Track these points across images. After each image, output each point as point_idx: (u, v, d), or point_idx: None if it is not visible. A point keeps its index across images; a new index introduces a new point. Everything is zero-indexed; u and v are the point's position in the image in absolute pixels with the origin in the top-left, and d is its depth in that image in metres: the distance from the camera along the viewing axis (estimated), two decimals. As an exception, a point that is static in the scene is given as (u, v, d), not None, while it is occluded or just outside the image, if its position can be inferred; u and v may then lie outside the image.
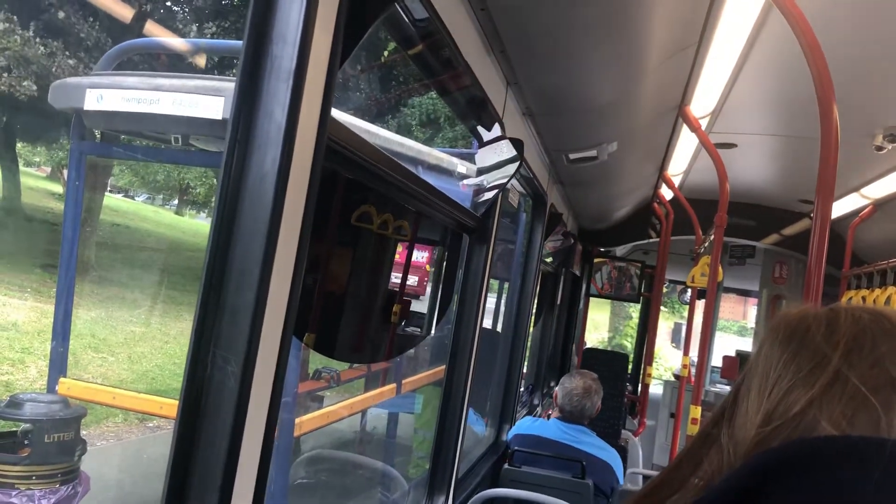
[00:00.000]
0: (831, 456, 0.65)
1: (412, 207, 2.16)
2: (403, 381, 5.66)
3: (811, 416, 0.71)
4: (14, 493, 3.54)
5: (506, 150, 2.63)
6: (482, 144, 2.64)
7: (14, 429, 3.80)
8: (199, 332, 1.12)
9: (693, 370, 6.88)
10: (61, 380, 4.22)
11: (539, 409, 6.06)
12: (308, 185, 1.23)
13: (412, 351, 5.60)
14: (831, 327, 0.78)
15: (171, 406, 4.50)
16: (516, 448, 3.81)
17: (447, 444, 2.79)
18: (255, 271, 1.13)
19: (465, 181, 3.63)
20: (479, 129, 2.58)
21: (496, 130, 2.57)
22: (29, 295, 10.93)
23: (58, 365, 4.29)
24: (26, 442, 3.70)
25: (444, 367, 2.93)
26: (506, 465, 3.76)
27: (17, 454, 3.64)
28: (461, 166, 4.73)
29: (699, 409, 4.17)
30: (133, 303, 11.64)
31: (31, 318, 9.30)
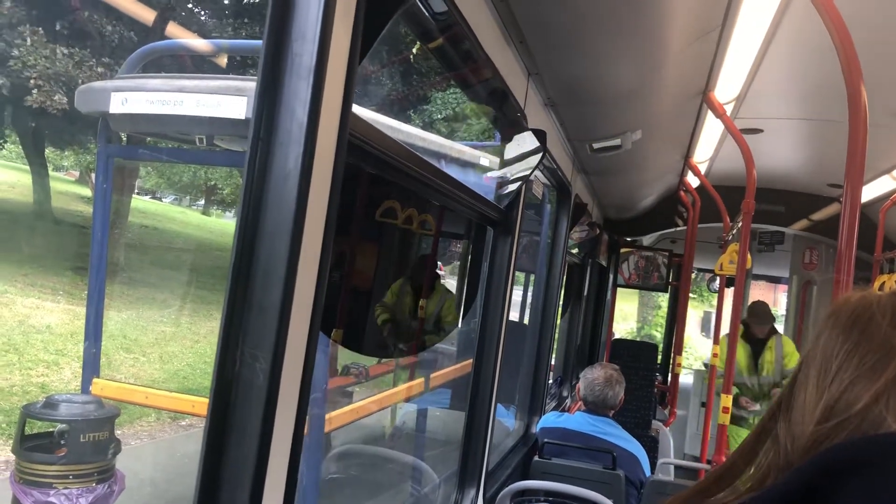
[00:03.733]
0: None
1: (436, 201, 2.16)
2: (432, 376, 5.66)
3: (876, 412, 0.66)
4: (52, 492, 3.60)
5: (528, 142, 2.62)
6: (505, 136, 2.63)
7: (51, 429, 3.86)
8: (227, 330, 1.13)
9: (723, 358, 6.81)
10: (95, 380, 4.28)
11: (568, 401, 6.04)
12: (331, 181, 1.24)
13: (441, 345, 5.61)
14: None
15: (202, 404, 4.55)
16: (546, 440, 3.80)
17: (476, 437, 2.79)
18: (280, 268, 1.14)
19: (489, 174, 3.62)
20: (502, 120, 2.58)
21: (518, 122, 2.56)
22: (61, 297, 11.10)
23: (91, 366, 4.34)
24: (63, 442, 3.76)
25: (471, 360, 2.92)
26: (536, 458, 3.75)
27: (55, 454, 3.71)
28: (484, 159, 4.73)
29: (730, 397, 4.13)
30: (163, 303, 11.78)
31: (63, 320, 9.45)
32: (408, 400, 5.41)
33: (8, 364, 7.43)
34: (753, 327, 6.22)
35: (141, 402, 5.07)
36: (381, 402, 4.86)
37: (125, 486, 3.89)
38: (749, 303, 6.84)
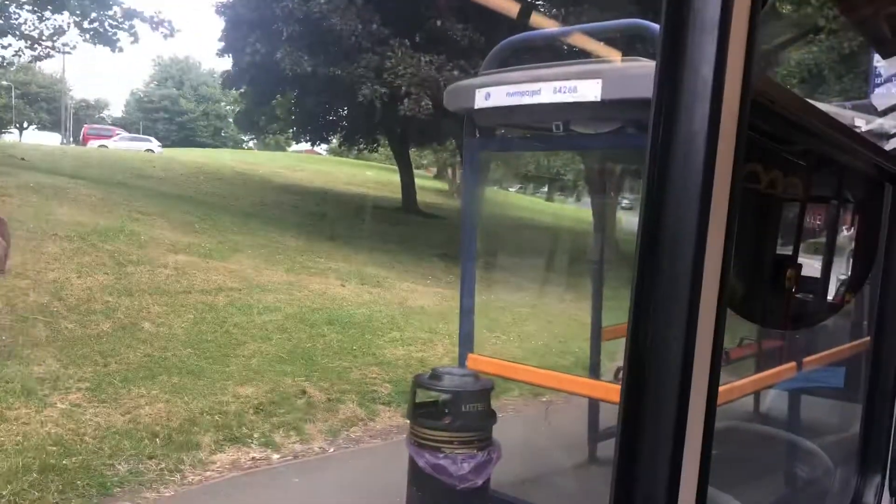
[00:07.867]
0: None
1: (838, 159, 1.96)
2: (804, 360, 5.21)
3: None
4: (441, 455, 3.97)
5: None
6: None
7: (435, 399, 4.26)
8: (638, 301, 1.12)
9: None
10: (470, 355, 4.60)
11: None
12: (735, 144, 1.17)
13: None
14: None
15: (569, 381, 4.71)
16: None
17: (879, 417, 2.51)
18: (690, 234, 1.10)
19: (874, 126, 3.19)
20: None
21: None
22: (430, 282, 12.28)
23: (466, 342, 4.68)
24: (447, 411, 4.13)
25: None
26: None
27: (441, 421, 4.09)
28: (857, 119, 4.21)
29: None
30: (516, 286, 12.43)
31: (434, 301, 10.42)
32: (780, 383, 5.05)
33: (392, 340, 8.37)
34: None
35: (512, 376, 5.36)
36: (757, 382, 4.59)
37: (502, 455, 4.15)
38: None
